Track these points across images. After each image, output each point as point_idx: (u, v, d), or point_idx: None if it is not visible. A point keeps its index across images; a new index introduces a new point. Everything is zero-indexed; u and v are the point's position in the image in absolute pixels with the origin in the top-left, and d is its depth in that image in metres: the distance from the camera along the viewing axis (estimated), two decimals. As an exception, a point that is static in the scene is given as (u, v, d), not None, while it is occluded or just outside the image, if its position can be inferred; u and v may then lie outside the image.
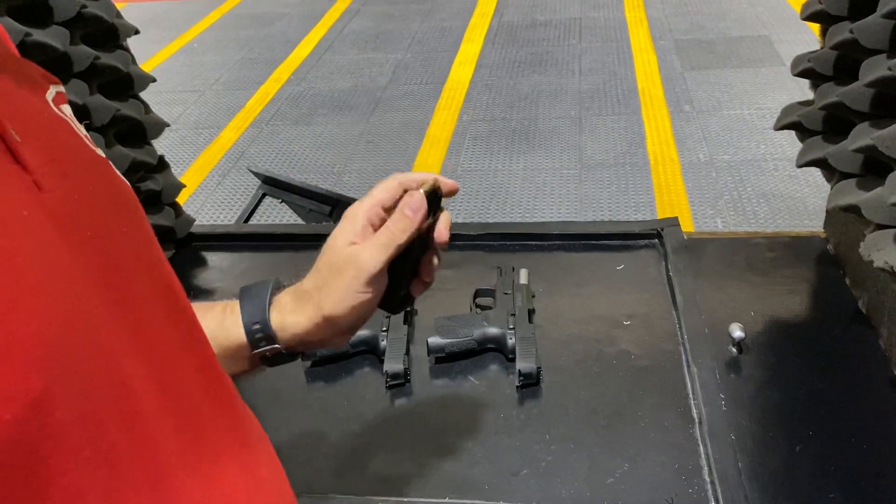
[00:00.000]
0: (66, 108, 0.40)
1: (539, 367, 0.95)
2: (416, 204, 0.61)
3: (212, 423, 0.42)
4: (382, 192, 0.63)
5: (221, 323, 0.62)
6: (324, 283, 0.61)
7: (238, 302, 0.63)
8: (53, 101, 0.39)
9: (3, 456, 0.26)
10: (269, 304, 0.63)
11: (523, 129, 3.51)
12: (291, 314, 0.62)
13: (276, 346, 0.62)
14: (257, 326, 0.62)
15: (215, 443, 0.42)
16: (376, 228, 0.62)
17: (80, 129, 0.40)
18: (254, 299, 0.63)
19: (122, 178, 0.42)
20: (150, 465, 0.34)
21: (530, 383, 0.95)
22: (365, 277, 0.60)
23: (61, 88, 0.41)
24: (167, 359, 0.38)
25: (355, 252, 0.61)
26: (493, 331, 1.00)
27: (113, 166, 0.41)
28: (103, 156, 0.40)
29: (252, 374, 0.65)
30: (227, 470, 0.42)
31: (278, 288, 0.65)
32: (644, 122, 3.49)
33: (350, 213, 0.63)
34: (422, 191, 0.62)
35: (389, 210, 0.63)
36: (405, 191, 0.63)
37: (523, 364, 0.95)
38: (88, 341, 0.31)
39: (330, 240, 0.63)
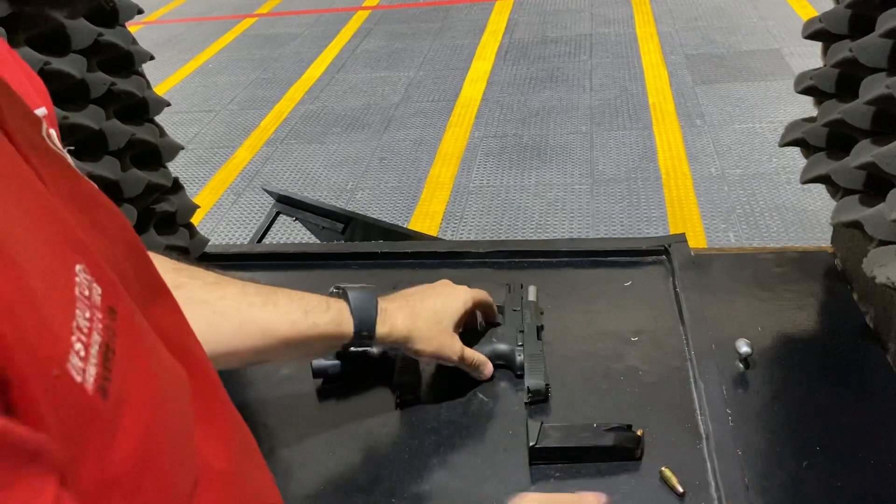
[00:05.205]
0: (54, 136, 0.40)
1: (547, 384, 0.96)
2: (488, 372, 0.98)
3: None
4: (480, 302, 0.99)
5: (333, 317, 0.79)
6: (419, 316, 0.88)
7: (341, 301, 0.81)
8: (46, 133, 0.38)
9: None
10: (377, 312, 0.82)
11: (535, 145, 3.54)
12: (401, 320, 0.85)
13: (373, 347, 0.86)
14: (366, 333, 0.81)
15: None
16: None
17: (70, 159, 0.40)
18: (364, 302, 0.82)
19: (114, 205, 0.41)
20: None
21: (539, 400, 0.96)
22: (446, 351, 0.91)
23: (45, 111, 0.41)
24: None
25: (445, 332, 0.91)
26: (501, 347, 1.01)
27: (102, 194, 0.41)
28: (94, 185, 0.40)
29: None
30: None
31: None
32: (655, 136, 3.50)
33: (465, 294, 0.95)
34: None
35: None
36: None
37: (532, 381, 0.95)
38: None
39: (444, 289, 0.95)
